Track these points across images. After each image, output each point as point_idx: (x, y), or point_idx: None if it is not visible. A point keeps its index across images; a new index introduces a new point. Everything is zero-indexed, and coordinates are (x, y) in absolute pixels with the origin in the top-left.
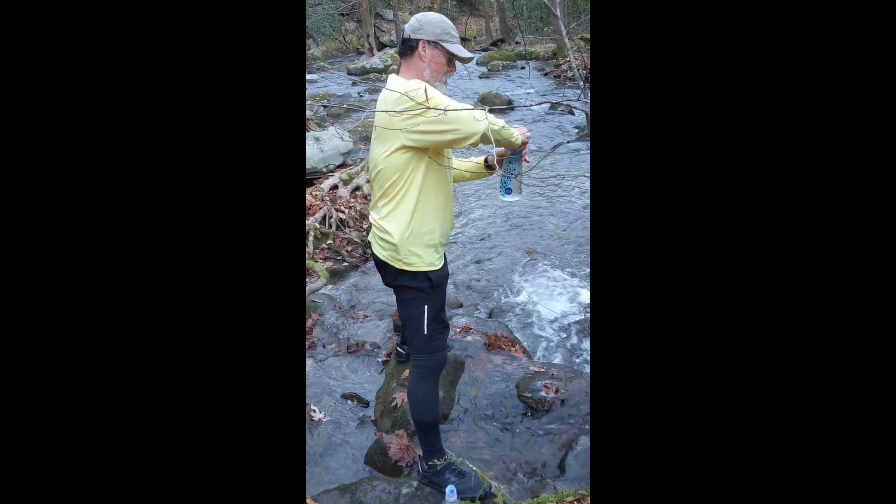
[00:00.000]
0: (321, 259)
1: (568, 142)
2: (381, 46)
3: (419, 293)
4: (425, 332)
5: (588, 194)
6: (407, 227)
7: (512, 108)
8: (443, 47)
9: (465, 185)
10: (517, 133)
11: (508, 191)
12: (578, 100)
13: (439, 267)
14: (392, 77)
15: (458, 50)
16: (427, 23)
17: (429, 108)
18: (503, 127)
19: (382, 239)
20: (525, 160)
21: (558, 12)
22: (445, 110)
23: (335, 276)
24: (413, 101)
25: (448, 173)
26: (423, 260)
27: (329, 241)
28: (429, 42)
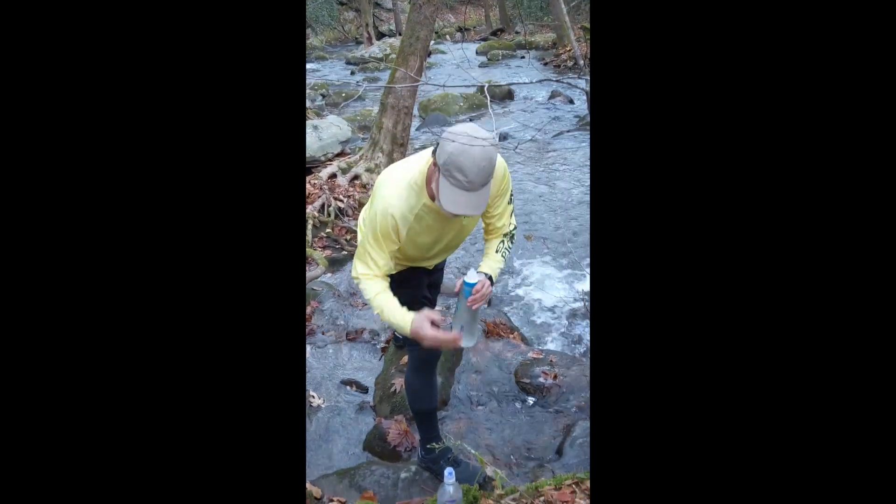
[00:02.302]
0: (320, 247)
1: (568, 131)
2: (380, 35)
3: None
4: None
5: (586, 182)
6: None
7: (511, 97)
8: (440, 178)
9: None
10: (408, 326)
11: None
12: (580, 77)
13: (401, 270)
14: (419, 155)
15: (447, 196)
16: (446, 141)
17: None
18: (382, 310)
19: None
20: (470, 304)
21: None
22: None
23: (334, 264)
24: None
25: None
26: None
27: (328, 230)
28: (436, 164)
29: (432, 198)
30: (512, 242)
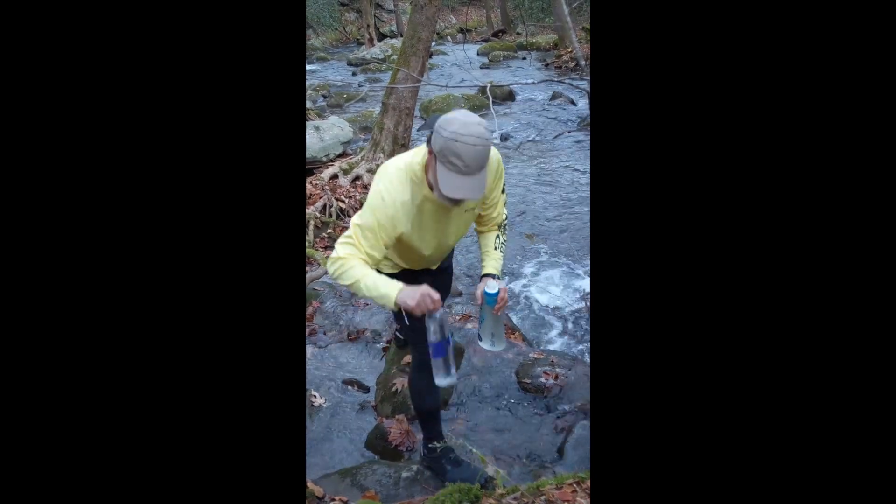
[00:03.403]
0: (321, 248)
1: (569, 132)
2: (382, 37)
3: None
4: (407, 322)
5: (587, 182)
6: None
7: (512, 98)
8: (437, 164)
9: None
10: (393, 297)
11: (481, 337)
12: (581, 78)
13: (393, 272)
14: (414, 151)
15: (445, 181)
16: (440, 128)
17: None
18: (360, 287)
19: None
20: (495, 312)
21: None
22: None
23: None
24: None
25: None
26: (380, 265)
27: (329, 230)
28: (433, 151)
29: (432, 188)
30: (505, 234)
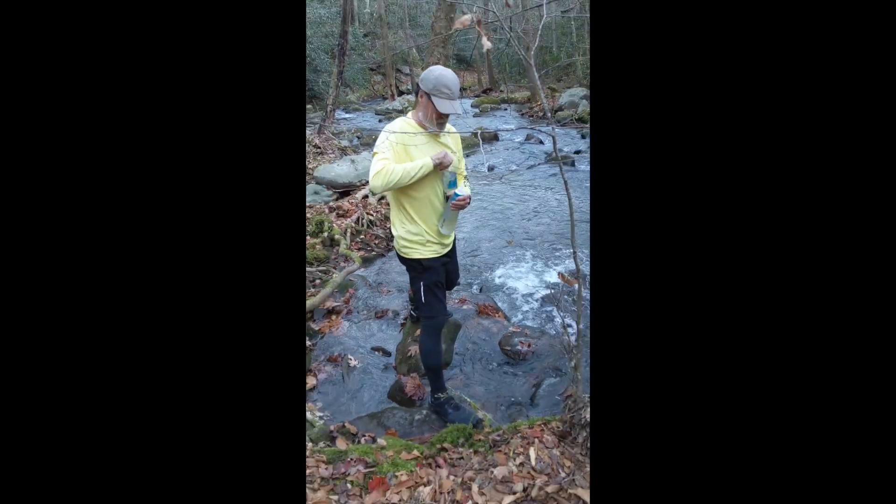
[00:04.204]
0: (356, 249)
1: (538, 164)
2: (401, 93)
3: (415, 273)
4: (423, 301)
5: (552, 199)
6: (399, 228)
7: (497, 139)
8: (431, 99)
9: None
10: (429, 161)
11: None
12: (548, 125)
13: (430, 257)
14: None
15: (441, 104)
16: (427, 77)
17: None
18: (406, 171)
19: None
20: (454, 206)
21: (532, 61)
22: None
23: (366, 261)
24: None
25: (434, 190)
26: (416, 251)
27: (361, 236)
28: (425, 92)
29: (423, 126)
30: (468, 182)
